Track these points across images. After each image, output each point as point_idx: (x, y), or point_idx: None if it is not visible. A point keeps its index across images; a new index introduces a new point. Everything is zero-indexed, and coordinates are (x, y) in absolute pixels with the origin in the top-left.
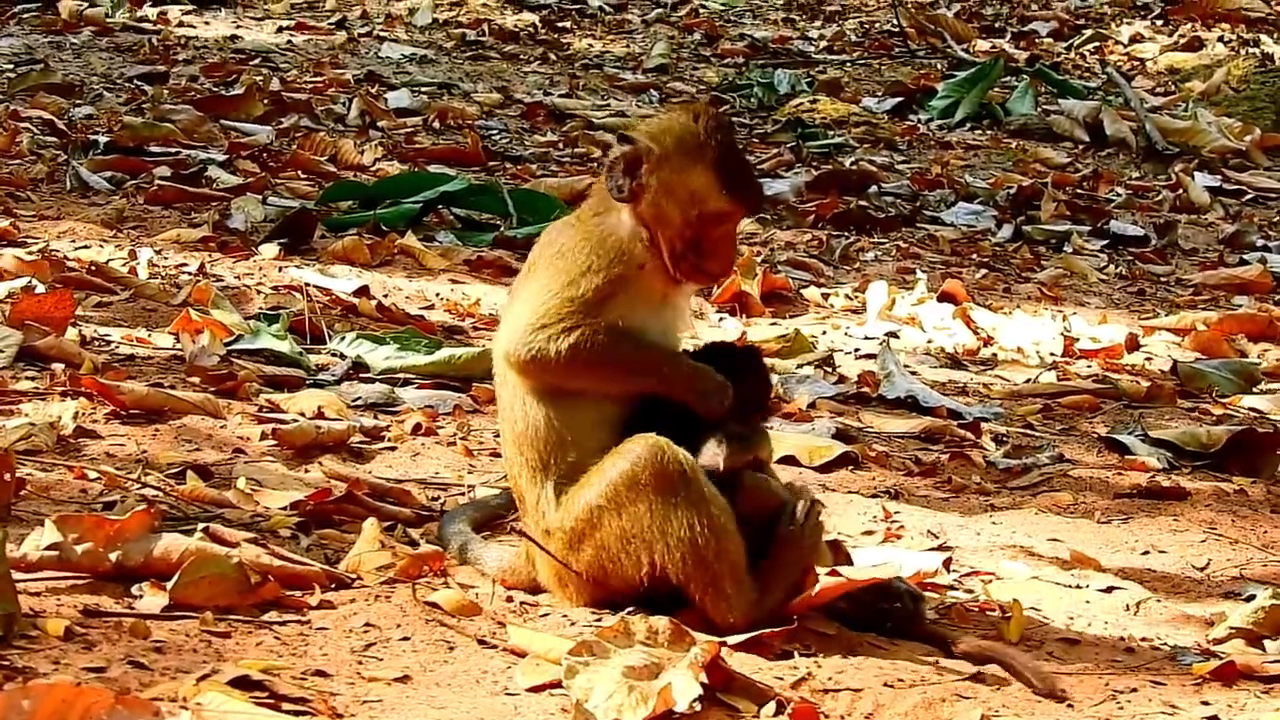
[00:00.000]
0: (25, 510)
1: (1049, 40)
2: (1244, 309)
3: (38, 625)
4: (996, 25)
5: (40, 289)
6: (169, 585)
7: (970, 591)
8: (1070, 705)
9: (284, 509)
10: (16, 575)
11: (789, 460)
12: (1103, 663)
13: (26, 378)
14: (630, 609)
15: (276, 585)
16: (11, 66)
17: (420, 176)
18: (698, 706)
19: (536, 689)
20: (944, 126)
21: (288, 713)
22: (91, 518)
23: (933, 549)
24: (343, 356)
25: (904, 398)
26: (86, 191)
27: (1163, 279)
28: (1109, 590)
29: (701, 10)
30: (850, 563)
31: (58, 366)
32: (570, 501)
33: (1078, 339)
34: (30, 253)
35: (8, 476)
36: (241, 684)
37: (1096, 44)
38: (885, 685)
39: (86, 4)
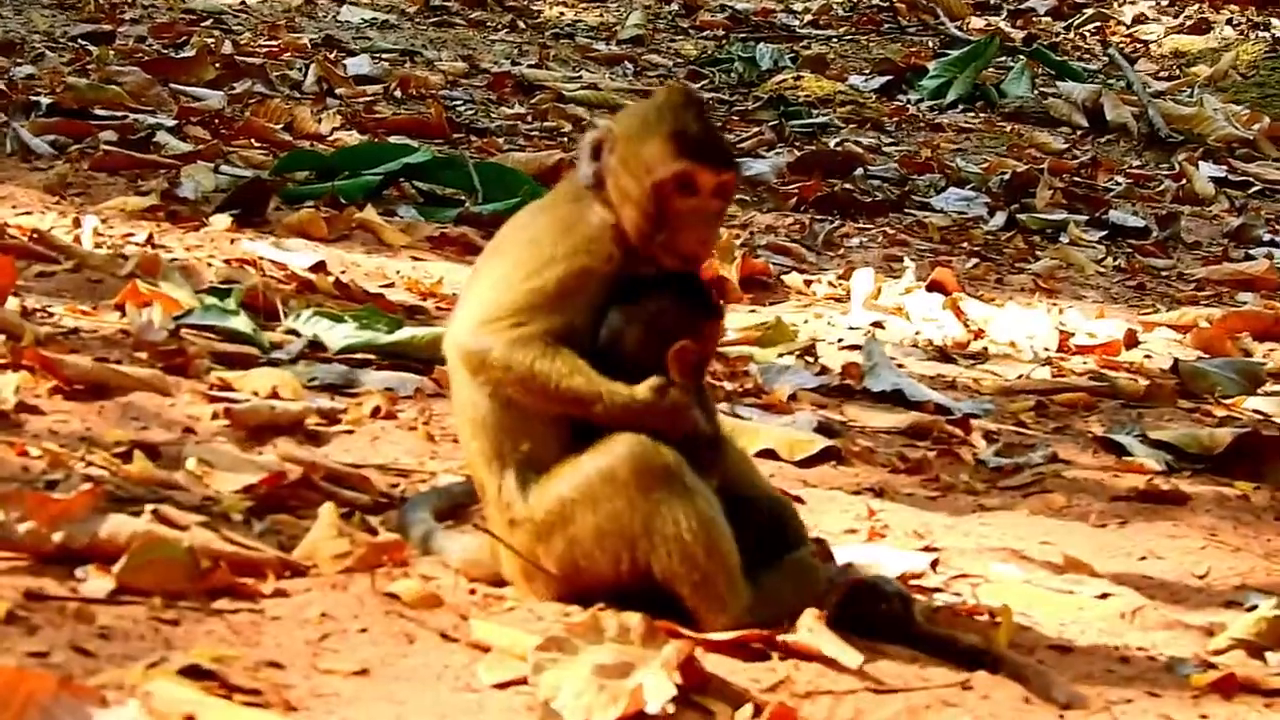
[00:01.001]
0: None
1: (1047, 19)
2: (1249, 306)
3: None
4: (992, 2)
5: None
6: (115, 569)
7: (958, 595)
8: (1062, 716)
9: (236, 492)
10: None
11: (768, 454)
12: (1096, 672)
13: None
14: (600, 605)
15: (228, 572)
16: None
17: (381, 147)
18: (670, 708)
19: (502, 685)
20: (935, 108)
21: (240, 704)
22: (34, 496)
23: (919, 550)
24: (298, 334)
25: (889, 391)
26: (28, 155)
27: (1164, 273)
28: (1103, 597)
29: None
30: (832, 560)
31: None
32: (541, 492)
33: (1073, 334)
34: None
35: None
36: (192, 673)
37: (1098, 24)
38: (867, 690)
39: None
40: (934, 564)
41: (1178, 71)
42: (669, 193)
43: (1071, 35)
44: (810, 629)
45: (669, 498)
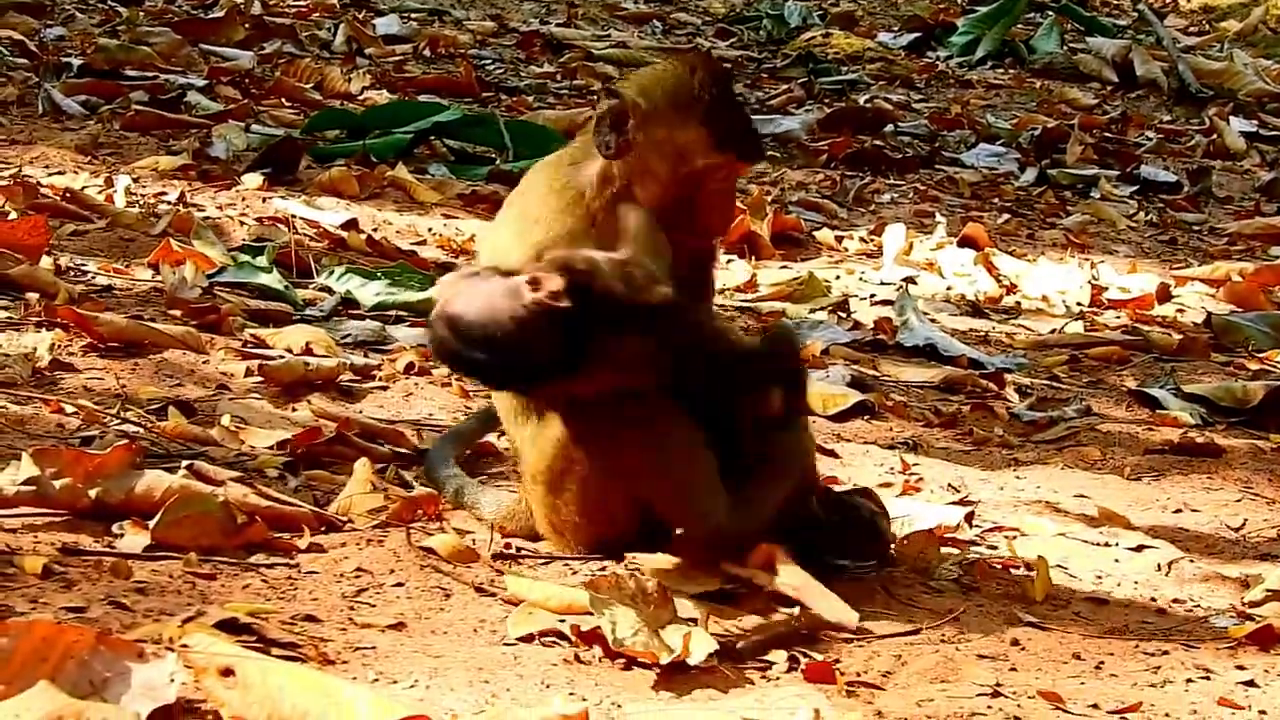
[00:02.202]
0: (0, 443)
1: None
2: None
3: (13, 563)
4: None
5: (12, 215)
6: (151, 524)
7: (994, 548)
8: (1099, 666)
9: (271, 448)
10: None
11: None
12: (1133, 624)
13: None
14: (629, 553)
15: (263, 526)
16: None
17: (411, 106)
18: (715, 661)
19: (530, 638)
20: (964, 64)
21: (277, 658)
22: (70, 452)
23: (954, 503)
24: (331, 292)
25: (922, 346)
26: (59, 115)
27: (1195, 228)
28: (1139, 549)
29: None
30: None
31: (32, 296)
32: (543, 442)
33: (1106, 288)
34: (1, 178)
35: None
36: (228, 627)
37: None
38: (904, 643)
39: None
40: (969, 517)
41: (1207, 26)
42: (702, 177)
43: None
44: (798, 584)
45: (643, 427)
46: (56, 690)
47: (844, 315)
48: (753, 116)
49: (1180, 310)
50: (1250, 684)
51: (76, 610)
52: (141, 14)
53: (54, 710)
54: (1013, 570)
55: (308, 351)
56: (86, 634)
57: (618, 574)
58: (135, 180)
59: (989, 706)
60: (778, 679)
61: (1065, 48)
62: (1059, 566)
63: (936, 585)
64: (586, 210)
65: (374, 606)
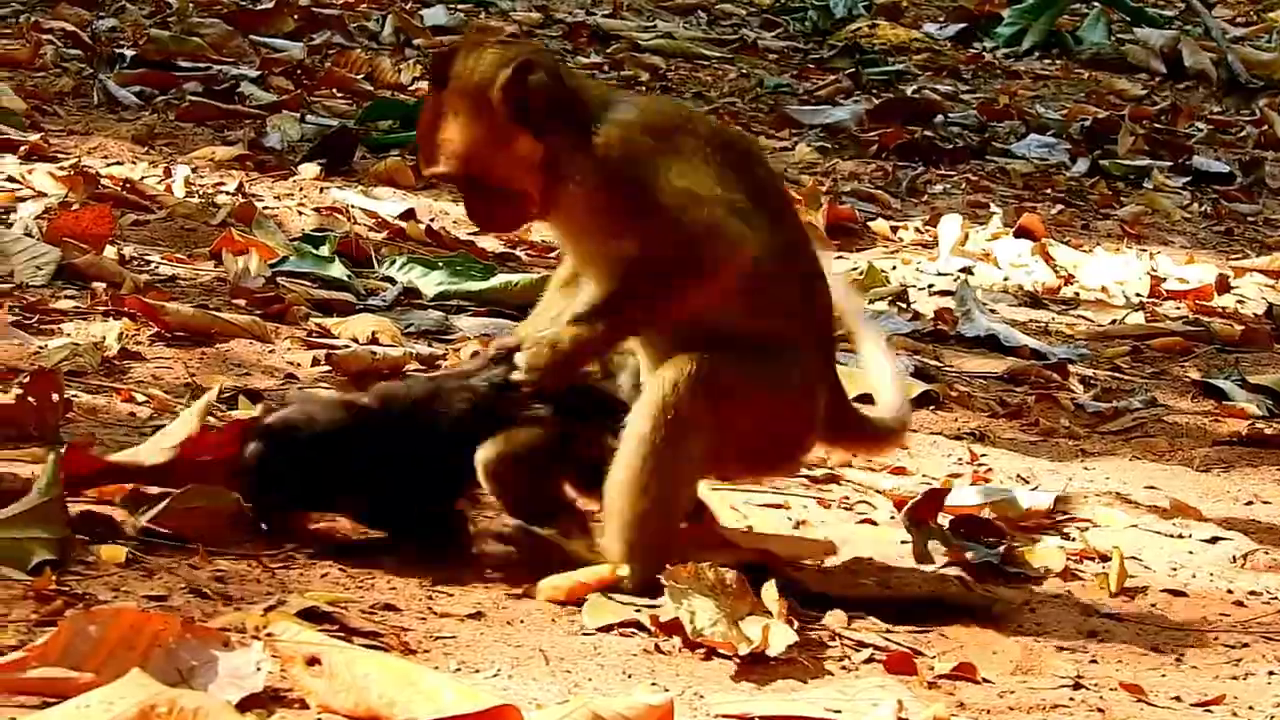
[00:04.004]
0: (74, 432)
1: None
2: None
3: (94, 551)
4: None
5: (76, 206)
6: (152, 511)
7: (1068, 538)
8: (1179, 659)
9: None
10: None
11: (865, 399)
12: (1211, 616)
13: (66, 297)
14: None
15: (280, 518)
16: None
17: None
18: (794, 653)
19: (606, 628)
20: (1011, 55)
21: (360, 647)
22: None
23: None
24: (393, 281)
25: (984, 336)
26: (115, 106)
27: (1250, 218)
28: (1213, 541)
29: None
30: None
31: (98, 285)
32: None
33: (1164, 279)
34: (62, 168)
35: (55, 397)
36: (310, 616)
37: None
38: (983, 634)
39: None
40: (1057, 500)
41: (1255, 16)
42: None
43: None
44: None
45: None
46: (149, 678)
47: (904, 306)
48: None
49: (1240, 301)
50: None
51: (158, 598)
52: (191, 5)
53: (147, 699)
54: (1088, 561)
55: (374, 340)
56: (173, 622)
57: (696, 565)
58: (193, 170)
59: (1071, 698)
60: (857, 670)
61: (1112, 38)
62: (1133, 558)
63: (1015, 574)
64: None
65: (452, 596)
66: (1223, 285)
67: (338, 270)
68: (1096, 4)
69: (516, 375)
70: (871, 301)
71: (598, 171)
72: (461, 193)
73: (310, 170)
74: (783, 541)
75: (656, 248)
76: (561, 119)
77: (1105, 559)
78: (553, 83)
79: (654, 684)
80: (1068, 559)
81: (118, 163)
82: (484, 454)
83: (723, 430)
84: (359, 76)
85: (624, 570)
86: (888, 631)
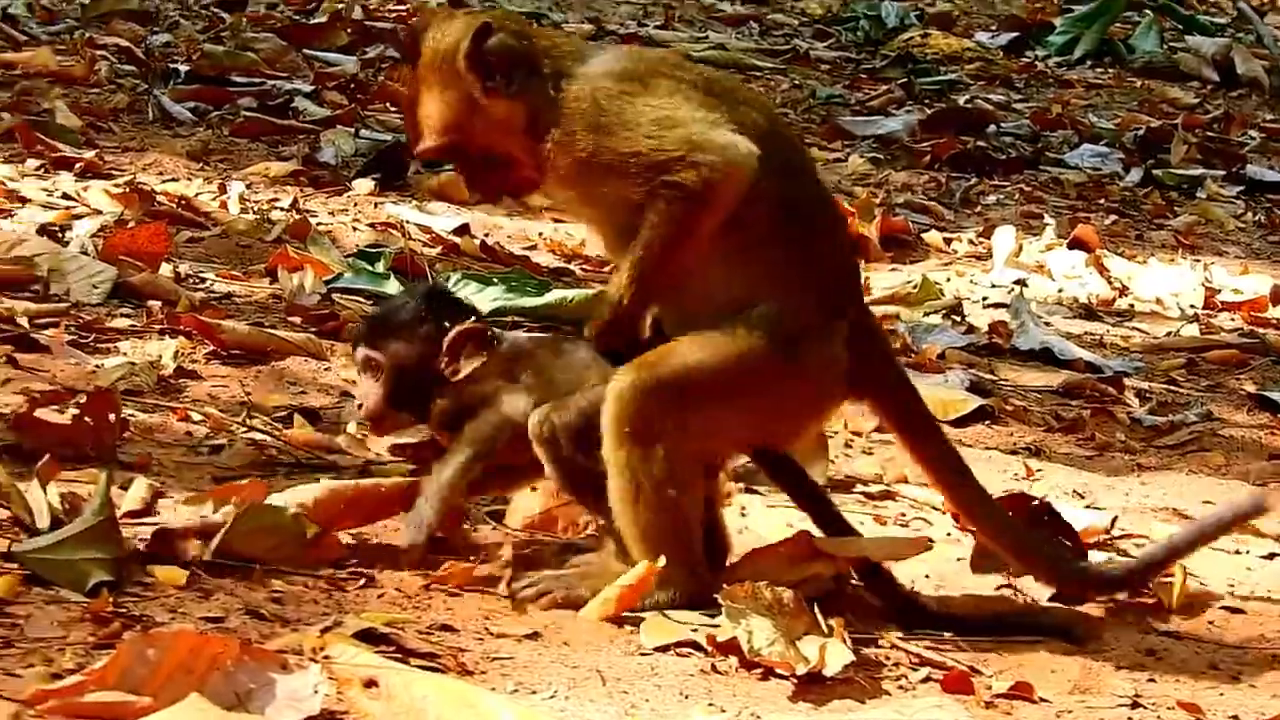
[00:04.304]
0: (130, 452)
1: None
2: None
3: (151, 573)
4: None
5: (131, 223)
6: (216, 537)
7: (1124, 554)
8: (1237, 677)
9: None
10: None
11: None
12: (1269, 633)
13: (122, 315)
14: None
15: (338, 540)
16: None
17: None
18: (851, 672)
19: (663, 648)
20: (1063, 64)
21: (417, 668)
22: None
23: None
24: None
25: (1038, 349)
26: (169, 122)
27: None
28: (1270, 557)
29: None
30: None
31: (154, 304)
32: None
33: (1219, 290)
34: (117, 185)
35: (112, 417)
36: (366, 637)
37: None
38: (1039, 652)
39: None
40: (1113, 521)
41: None
42: None
43: None
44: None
45: None
46: (207, 702)
47: (958, 319)
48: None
49: None
50: None
51: (215, 620)
52: (245, 20)
53: None
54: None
55: None
56: (231, 644)
57: (754, 585)
58: (247, 186)
59: (1129, 718)
60: (915, 689)
61: (1165, 47)
62: (1192, 574)
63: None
64: None
65: (509, 616)
66: (1277, 296)
67: (393, 287)
68: (1148, 12)
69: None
70: (926, 314)
71: (573, 120)
72: (454, 164)
73: (364, 185)
74: (877, 544)
75: (645, 180)
76: (533, 78)
77: (1164, 576)
78: (516, 42)
79: (711, 704)
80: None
81: (173, 179)
82: (536, 418)
83: (695, 425)
84: None
85: (661, 561)
86: (945, 650)
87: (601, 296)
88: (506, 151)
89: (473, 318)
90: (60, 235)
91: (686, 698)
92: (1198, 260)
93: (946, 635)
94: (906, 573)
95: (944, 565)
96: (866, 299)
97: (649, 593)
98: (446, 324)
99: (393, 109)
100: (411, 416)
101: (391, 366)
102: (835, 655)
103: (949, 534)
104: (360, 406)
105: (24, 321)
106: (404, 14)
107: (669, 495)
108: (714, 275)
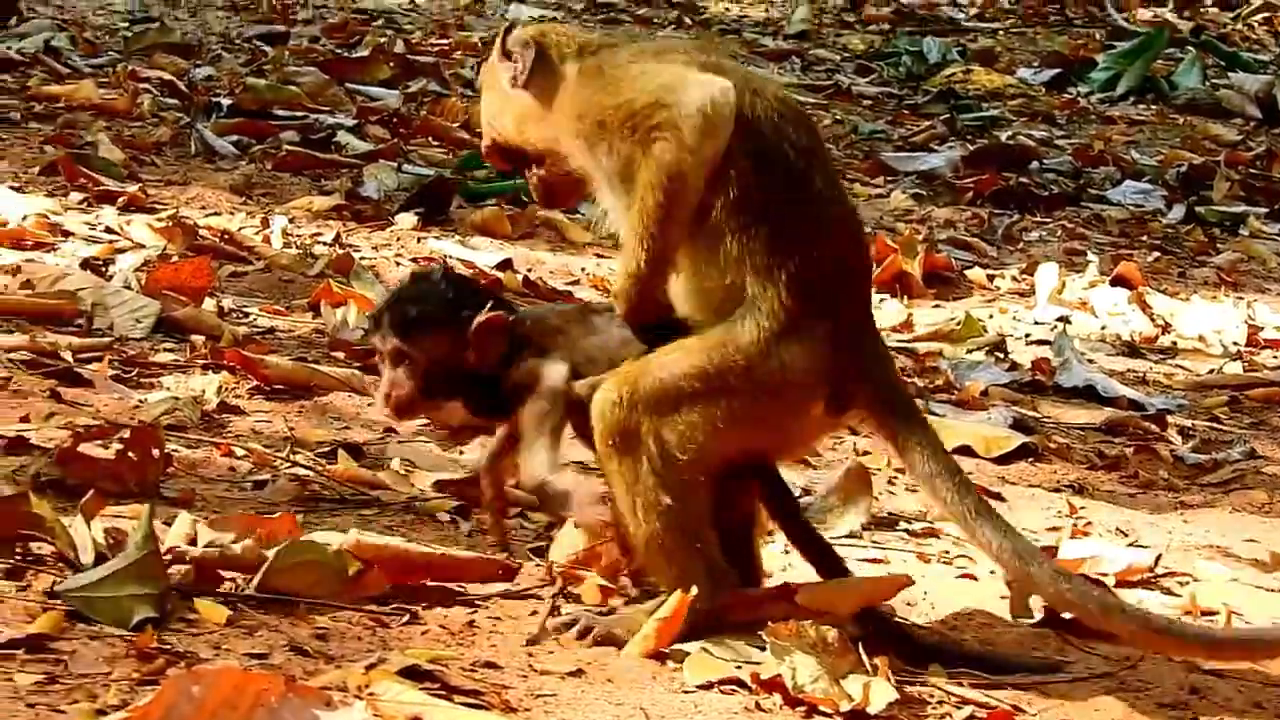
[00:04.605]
0: (173, 488)
1: (1214, 9)
2: None
3: (194, 608)
4: None
5: (174, 258)
6: (259, 573)
7: (1168, 592)
8: None
9: (441, 493)
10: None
11: (964, 451)
12: None
13: (165, 349)
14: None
15: (380, 575)
16: (127, 25)
17: None
18: (895, 710)
19: (706, 685)
20: (1105, 100)
21: (461, 705)
22: (242, 519)
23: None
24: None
25: (1081, 387)
26: (212, 156)
27: None
28: None
29: None
30: None
31: (197, 338)
32: None
33: (1262, 328)
34: (160, 219)
35: (156, 452)
36: (411, 674)
37: (1266, 14)
38: (1083, 690)
39: None
40: (1157, 559)
41: None
42: None
43: (1239, 26)
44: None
45: None
46: None
47: (1001, 356)
48: (896, 153)
49: None
50: None
51: (259, 656)
52: (287, 53)
53: None
54: (1187, 616)
55: None
56: (276, 681)
57: (799, 625)
58: (290, 220)
59: None
60: None
61: (1207, 83)
62: (1234, 613)
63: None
64: None
65: (552, 653)
66: None
67: None
68: (1191, 49)
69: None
70: (969, 351)
71: (576, 94)
72: (519, 172)
73: (407, 220)
74: (857, 587)
75: (630, 131)
76: (541, 68)
77: (1207, 614)
78: (533, 35)
79: None
80: (1171, 614)
81: (215, 213)
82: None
83: (675, 434)
84: (455, 124)
85: (693, 591)
86: (989, 688)
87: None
88: (536, 144)
89: (490, 303)
90: (103, 269)
91: None
92: (1240, 297)
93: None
94: (947, 608)
95: (989, 604)
96: (909, 335)
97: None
98: (467, 312)
99: (435, 143)
100: (436, 405)
101: (424, 360)
102: (879, 693)
103: (991, 572)
104: (388, 396)
105: (68, 356)
106: (446, 48)
107: (666, 504)
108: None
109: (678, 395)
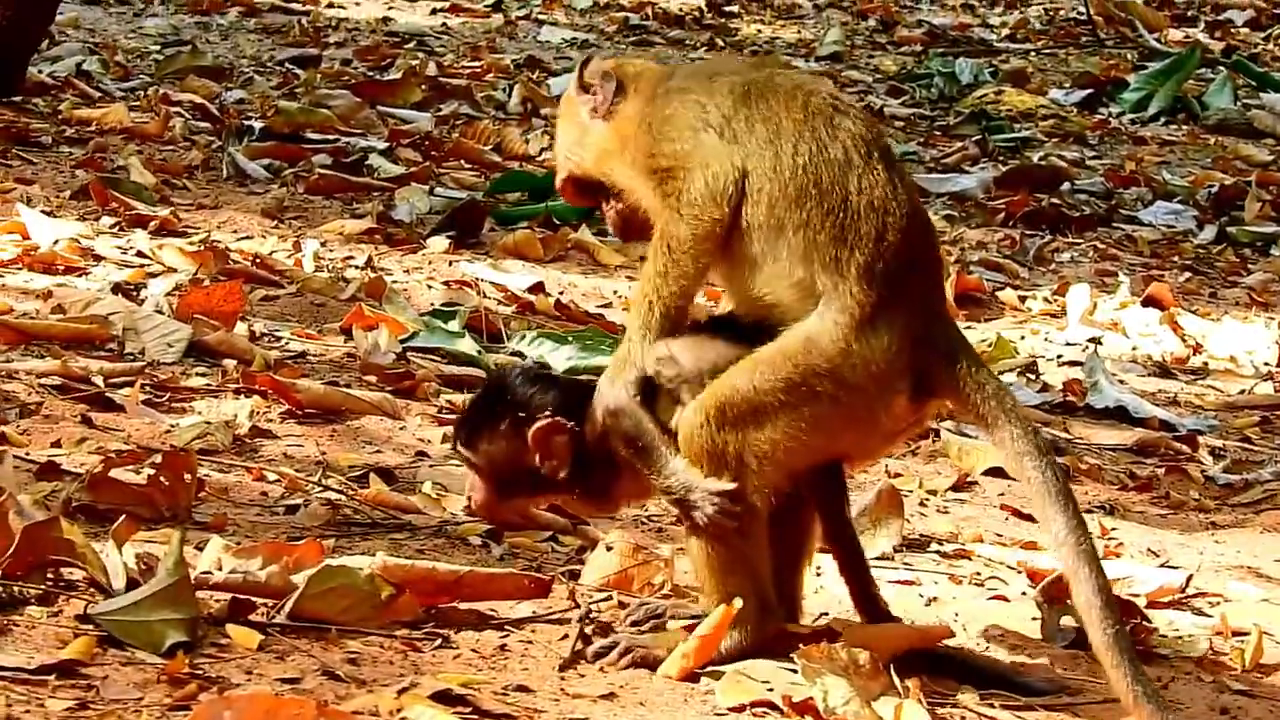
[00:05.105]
0: (205, 512)
1: (1245, 30)
2: None
3: (226, 634)
4: (1189, 14)
5: (206, 282)
6: (292, 599)
7: (1199, 613)
8: None
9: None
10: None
11: (996, 472)
12: None
13: (197, 374)
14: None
15: (412, 600)
16: (158, 48)
17: None
18: None
19: (738, 708)
20: (1136, 120)
21: None
22: (269, 546)
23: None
24: (523, 356)
25: (1113, 408)
26: (244, 180)
27: None
28: None
29: None
30: None
31: (229, 363)
32: None
33: None
34: (192, 243)
35: (188, 477)
36: (443, 698)
37: None
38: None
39: None
40: (1188, 580)
41: None
42: None
43: (1270, 46)
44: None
45: None
46: None
47: (1032, 377)
48: (929, 175)
49: None
50: None
51: (291, 681)
52: (319, 76)
53: None
54: (1218, 636)
55: None
56: (307, 706)
57: (830, 647)
58: (322, 244)
59: None
60: None
61: (1239, 104)
62: (1266, 634)
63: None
64: None
65: (584, 676)
66: None
67: (468, 345)
68: (1222, 69)
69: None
70: (1001, 373)
71: (627, 125)
72: (588, 202)
73: (439, 243)
74: (889, 637)
75: (654, 183)
76: (620, 99)
77: (1238, 634)
78: (611, 67)
79: None
80: (1202, 634)
81: (247, 237)
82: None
83: (760, 446)
84: (486, 147)
85: (738, 602)
86: (1020, 709)
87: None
88: (614, 176)
89: (548, 411)
90: (135, 293)
91: None
92: (1271, 318)
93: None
94: (979, 629)
95: (1020, 625)
96: None
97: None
98: (524, 414)
99: (467, 166)
100: (525, 498)
101: (487, 466)
102: (911, 715)
103: (1024, 593)
104: (469, 499)
105: (99, 380)
106: (478, 70)
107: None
108: (757, 268)
109: (764, 408)
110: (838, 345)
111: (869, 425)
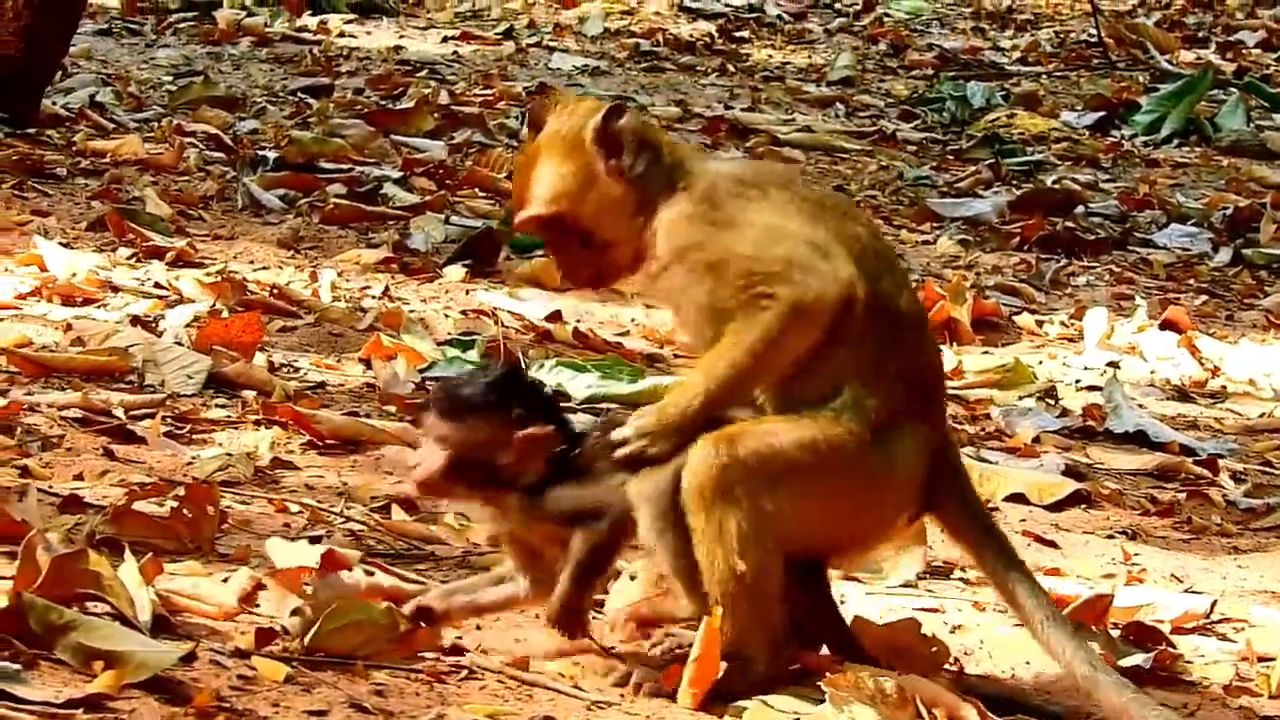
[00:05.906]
0: (229, 544)
1: (1257, 51)
2: None
3: (253, 666)
4: (1200, 35)
5: (224, 313)
6: (309, 634)
7: (1224, 638)
8: None
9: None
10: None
11: (1017, 498)
12: None
13: (217, 405)
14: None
15: (432, 632)
16: (171, 79)
17: None
18: None
19: None
20: (1149, 143)
21: None
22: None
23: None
24: (542, 385)
25: (1132, 432)
26: (259, 210)
27: None
28: None
29: (886, 19)
30: None
31: (249, 394)
32: None
33: None
34: (209, 274)
35: (211, 509)
36: None
37: None
38: None
39: (244, 13)
40: (1212, 605)
41: None
42: None
43: None
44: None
45: None
46: None
47: (1051, 402)
48: (942, 199)
49: None
50: None
51: (319, 714)
52: (331, 105)
53: None
54: (1243, 662)
55: None
56: None
57: (857, 675)
58: (339, 274)
59: None
60: None
61: (1251, 125)
62: None
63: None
64: None
65: (611, 706)
66: None
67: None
68: (1235, 91)
69: (622, 436)
70: (1019, 398)
71: (685, 210)
72: (549, 241)
73: (455, 272)
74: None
75: (741, 285)
76: (654, 165)
77: (1264, 659)
78: (642, 128)
79: None
80: (1227, 660)
81: (264, 267)
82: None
83: (774, 505)
84: (500, 175)
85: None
86: None
87: (660, 405)
88: (609, 233)
89: (554, 420)
90: (153, 325)
91: None
92: None
93: None
94: (1004, 657)
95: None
96: (959, 383)
97: (727, 673)
98: (519, 414)
99: (482, 194)
100: (462, 490)
101: (457, 445)
102: None
103: None
104: (414, 468)
105: (120, 413)
106: (490, 98)
107: (743, 565)
108: (806, 368)
109: (783, 463)
110: (868, 433)
111: (872, 524)
